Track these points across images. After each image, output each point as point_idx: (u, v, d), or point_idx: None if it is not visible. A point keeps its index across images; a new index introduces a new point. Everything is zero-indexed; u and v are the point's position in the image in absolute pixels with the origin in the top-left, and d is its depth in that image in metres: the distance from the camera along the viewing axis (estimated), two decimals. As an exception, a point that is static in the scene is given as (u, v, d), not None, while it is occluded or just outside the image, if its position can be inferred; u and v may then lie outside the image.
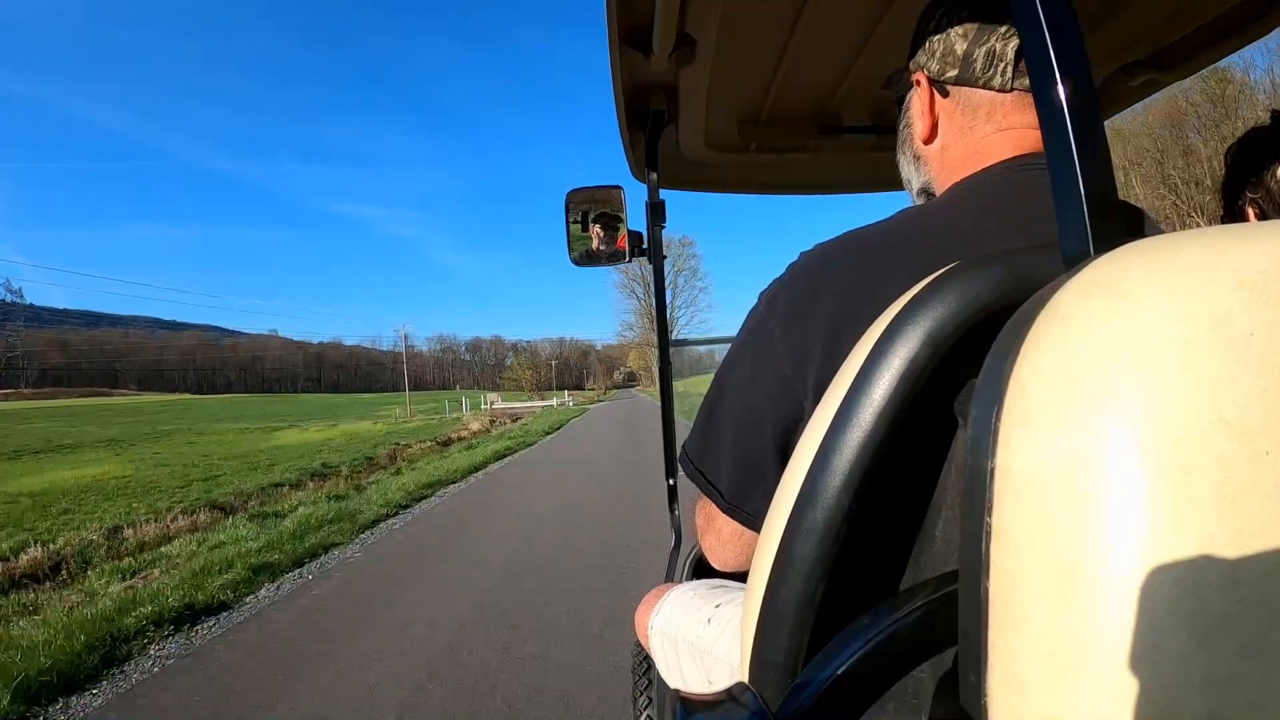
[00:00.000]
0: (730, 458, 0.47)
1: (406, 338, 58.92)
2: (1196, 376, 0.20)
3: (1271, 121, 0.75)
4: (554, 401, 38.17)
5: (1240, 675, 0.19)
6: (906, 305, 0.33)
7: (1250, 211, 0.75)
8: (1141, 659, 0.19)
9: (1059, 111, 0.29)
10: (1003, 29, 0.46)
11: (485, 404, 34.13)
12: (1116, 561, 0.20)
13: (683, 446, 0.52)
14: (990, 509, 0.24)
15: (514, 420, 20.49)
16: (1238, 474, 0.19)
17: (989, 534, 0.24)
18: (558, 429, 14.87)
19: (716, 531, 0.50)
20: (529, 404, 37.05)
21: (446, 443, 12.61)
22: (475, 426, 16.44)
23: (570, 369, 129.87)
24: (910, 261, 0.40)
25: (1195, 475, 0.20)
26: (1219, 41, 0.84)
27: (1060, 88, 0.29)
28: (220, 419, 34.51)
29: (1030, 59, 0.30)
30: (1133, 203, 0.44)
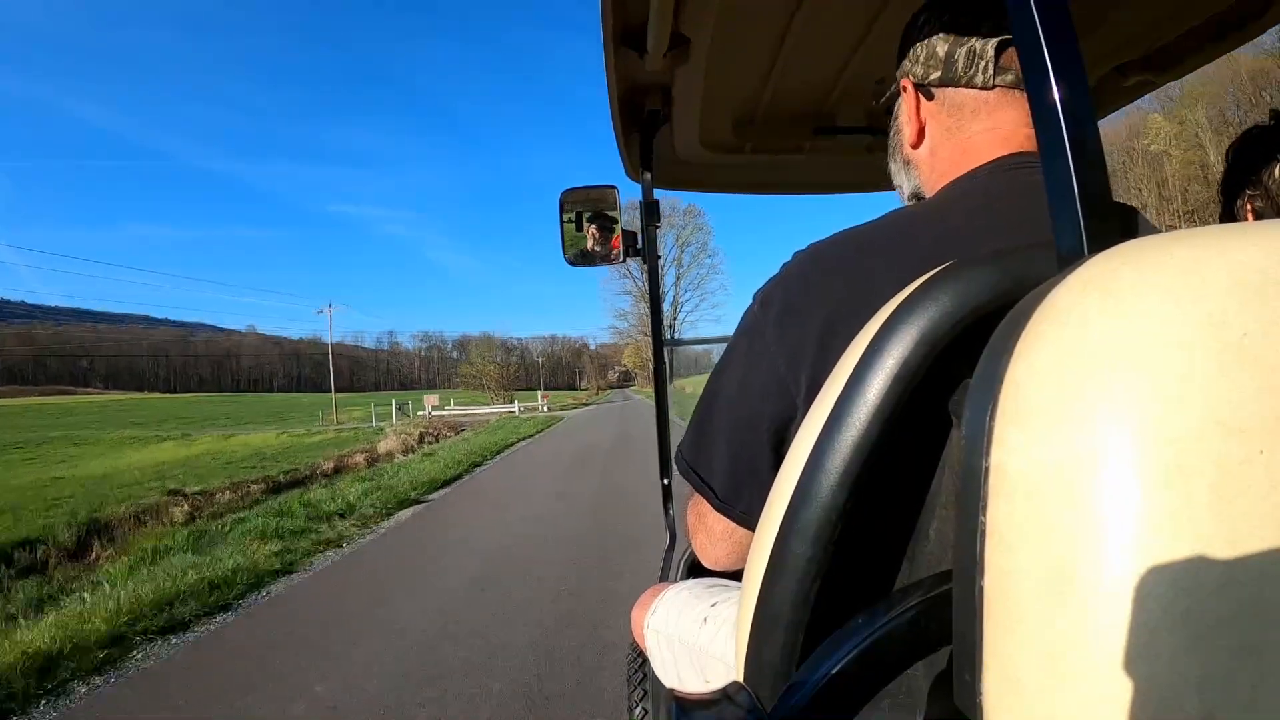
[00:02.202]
0: (724, 457, 0.47)
1: (331, 320, 39.93)
2: (1191, 376, 0.20)
3: (1272, 120, 0.75)
4: (516, 406, 27.50)
5: (1235, 674, 0.19)
6: (901, 304, 0.33)
7: (1248, 210, 0.75)
8: (1136, 658, 0.19)
9: (1053, 112, 0.29)
10: (983, 28, 0.47)
11: (426, 409, 25.72)
12: (1111, 561, 0.20)
13: (678, 446, 0.52)
14: (985, 508, 0.24)
15: (454, 432, 15.52)
16: (1232, 473, 0.19)
17: (983, 533, 0.24)
18: (456, 478, 7.04)
19: (708, 529, 0.51)
20: (487, 409, 27.70)
21: (303, 479, 8.13)
22: (387, 446, 11.61)
23: (563, 368, 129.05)
24: (903, 260, 0.40)
25: (1189, 475, 0.20)
26: (1213, 41, 0.85)
27: (1055, 88, 0.29)
28: (141, 422, 31.75)
29: (1025, 59, 0.31)
30: (1125, 203, 0.44)
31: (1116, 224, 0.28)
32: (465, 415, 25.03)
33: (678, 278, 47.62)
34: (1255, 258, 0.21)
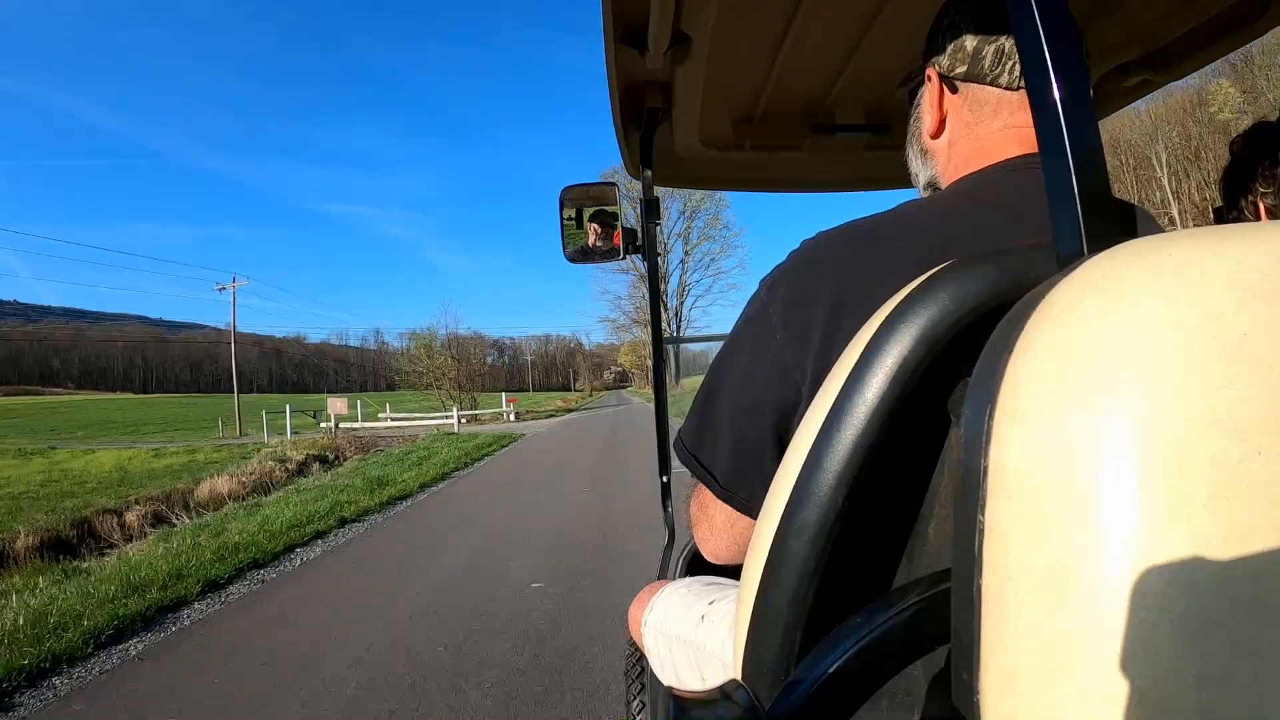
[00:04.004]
0: (727, 444, 0.47)
1: (235, 298, 25.99)
2: (1189, 375, 0.20)
3: None
4: (455, 417, 17.23)
5: (1232, 673, 0.19)
6: (900, 303, 0.33)
7: (1262, 208, 0.74)
8: (1133, 657, 0.19)
9: (1053, 110, 0.29)
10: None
11: (329, 417, 17.17)
12: (1109, 559, 0.20)
13: (678, 433, 0.52)
14: (983, 507, 0.24)
15: (362, 454, 10.57)
16: (1230, 472, 0.20)
17: (982, 532, 0.24)
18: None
19: (710, 519, 0.51)
20: (416, 420, 18.40)
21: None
22: (214, 489, 7.29)
23: (557, 368, 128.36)
24: (909, 253, 0.41)
25: (1188, 473, 0.20)
26: (1214, 41, 0.85)
27: (1055, 86, 0.29)
28: (57, 428, 28.23)
29: (1025, 57, 0.31)
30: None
31: (1116, 223, 0.28)
32: (386, 428, 16.78)
33: (685, 254, 37.24)
34: (1255, 258, 0.22)
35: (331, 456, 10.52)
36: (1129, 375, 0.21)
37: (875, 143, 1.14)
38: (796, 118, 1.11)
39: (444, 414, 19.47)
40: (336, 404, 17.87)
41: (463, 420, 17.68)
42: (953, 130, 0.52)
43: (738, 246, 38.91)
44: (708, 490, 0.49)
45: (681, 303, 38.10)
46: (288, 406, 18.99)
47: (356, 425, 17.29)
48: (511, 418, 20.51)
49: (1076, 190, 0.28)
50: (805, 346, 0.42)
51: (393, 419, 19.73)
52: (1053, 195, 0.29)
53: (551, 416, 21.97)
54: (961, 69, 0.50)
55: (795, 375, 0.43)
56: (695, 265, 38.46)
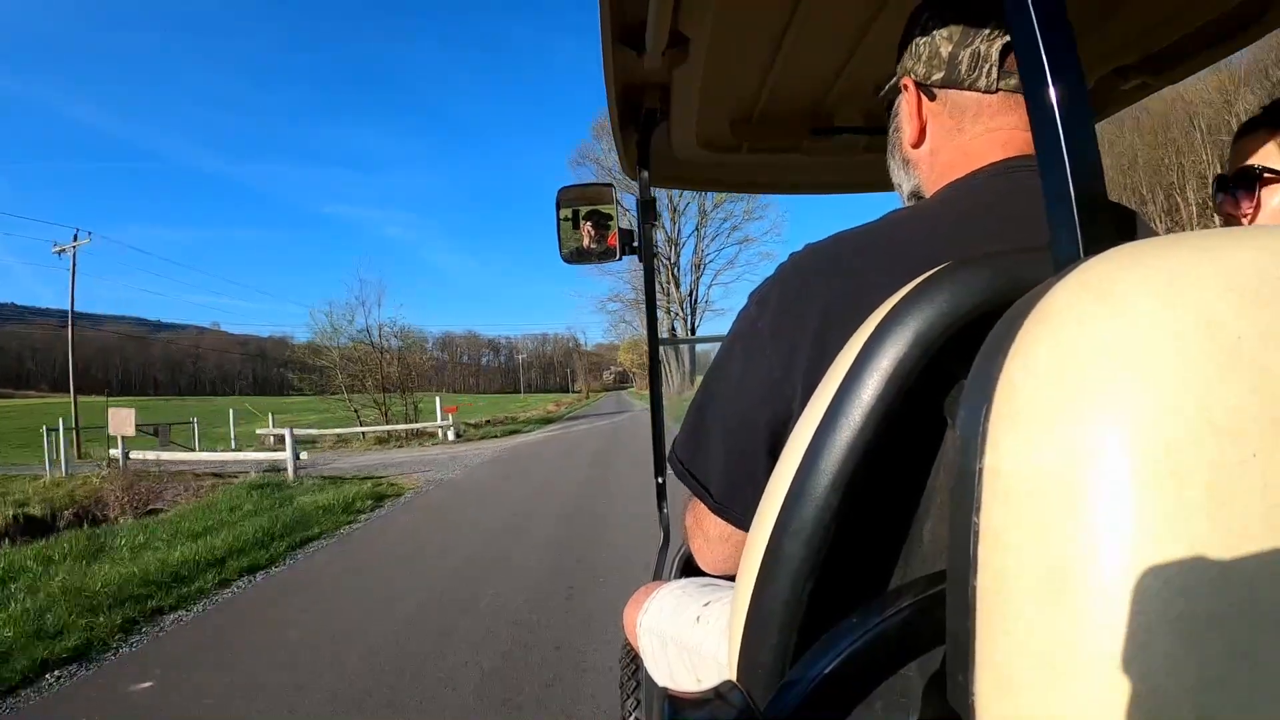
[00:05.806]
0: (720, 458, 0.47)
1: (75, 263, 18.16)
2: (1186, 378, 0.20)
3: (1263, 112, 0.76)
4: (289, 444, 7.58)
5: (1229, 676, 0.19)
6: (897, 305, 0.33)
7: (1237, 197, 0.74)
8: (1130, 660, 0.19)
9: (1050, 114, 0.29)
10: (987, 30, 0.47)
11: (120, 445, 8.48)
12: (1105, 562, 0.20)
13: (672, 446, 0.52)
14: (979, 509, 0.24)
15: (131, 510, 5.82)
16: (1226, 476, 0.20)
17: (977, 534, 0.24)
18: None
19: (705, 532, 0.50)
20: (253, 455, 9.50)
21: None
22: None
23: (555, 369, 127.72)
24: (897, 263, 0.40)
25: (1184, 477, 0.20)
26: (1213, 45, 0.86)
27: (1052, 90, 0.29)
28: None
29: (1022, 61, 0.31)
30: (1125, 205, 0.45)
31: (1113, 226, 0.28)
32: (197, 462, 9.43)
33: (701, 216, 28.90)
34: (1252, 261, 0.22)
35: (69, 515, 5.94)
36: (1125, 378, 0.21)
37: (874, 145, 1.14)
38: (795, 120, 1.11)
39: (366, 427, 13.38)
40: (119, 417, 9.85)
41: (299, 453, 8.60)
42: (934, 138, 0.52)
43: (768, 205, 29.15)
44: (702, 504, 0.49)
45: (698, 279, 30.23)
46: (60, 420, 11.59)
47: (154, 455, 9.65)
48: (450, 435, 13.04)
49: (1073, 193, 0.28)
50: (795, 360, 0.42)
51: (274, 435, 12.96)
52: (1049, 198, 0.29)
53: (514, 434, 14.34)
54: (939, 75, 0.49)
55: (786, 390, 0.43)
56: (714, 231, 29.88)
